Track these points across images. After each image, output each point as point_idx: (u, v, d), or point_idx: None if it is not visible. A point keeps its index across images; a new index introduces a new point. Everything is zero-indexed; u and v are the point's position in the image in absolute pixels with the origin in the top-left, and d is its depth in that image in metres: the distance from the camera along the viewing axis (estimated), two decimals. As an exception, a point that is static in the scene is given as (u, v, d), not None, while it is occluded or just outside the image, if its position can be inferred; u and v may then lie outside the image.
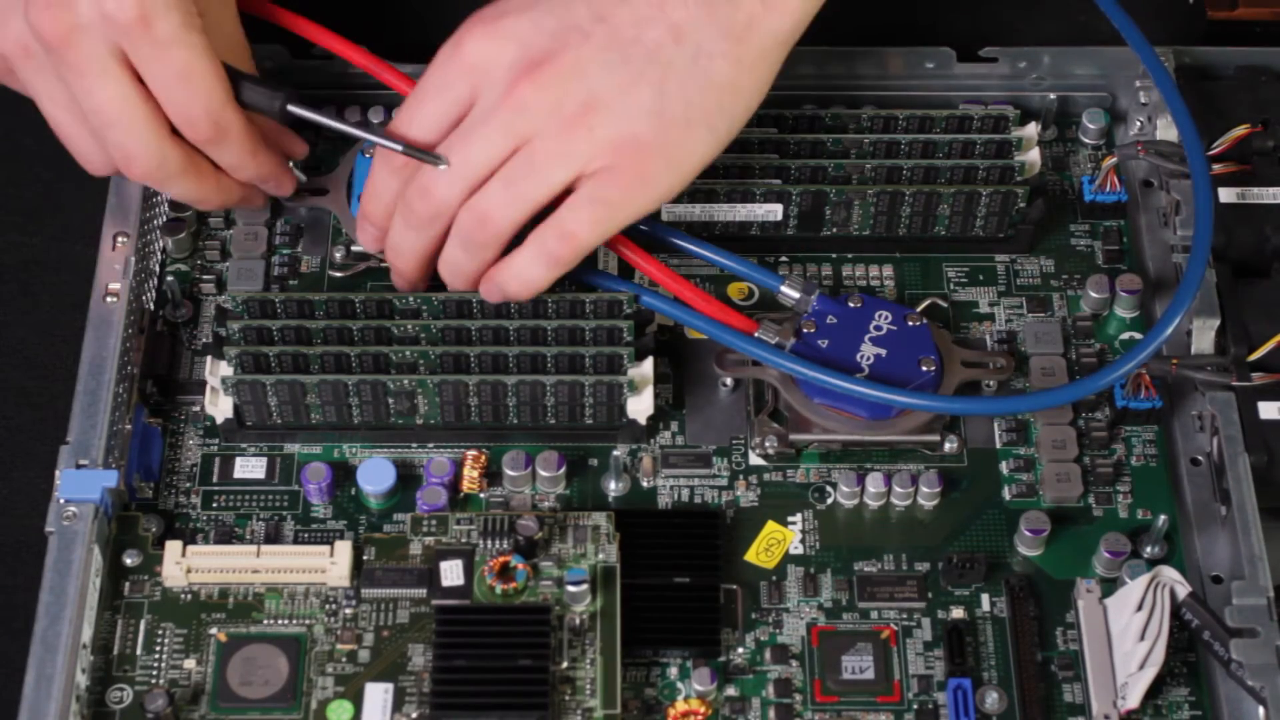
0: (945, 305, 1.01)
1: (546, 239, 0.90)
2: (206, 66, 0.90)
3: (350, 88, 1.06)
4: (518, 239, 0.91)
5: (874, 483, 0.95)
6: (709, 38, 0.89)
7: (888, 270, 1.02)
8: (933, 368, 0.95)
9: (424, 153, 0.90)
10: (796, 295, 0.98)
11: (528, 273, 0.91)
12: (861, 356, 0.95)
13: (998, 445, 0.97)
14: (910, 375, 0.95)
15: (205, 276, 1.01)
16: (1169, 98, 0.98)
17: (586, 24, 0.89)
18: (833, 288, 1.01)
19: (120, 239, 0.98)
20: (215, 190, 0.95)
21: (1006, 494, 0.96)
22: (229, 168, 0.95)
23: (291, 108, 0.93)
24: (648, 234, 0.98)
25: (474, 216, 0.90)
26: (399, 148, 0.90)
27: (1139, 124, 1.06)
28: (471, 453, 0.96)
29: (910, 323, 0.96)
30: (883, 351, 0.95)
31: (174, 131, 0.92)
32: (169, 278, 1.00)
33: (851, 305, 0.97)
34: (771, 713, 0.89)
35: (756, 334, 0.95)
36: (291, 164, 0.99)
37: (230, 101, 0.91)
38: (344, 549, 0.91)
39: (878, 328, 0.96)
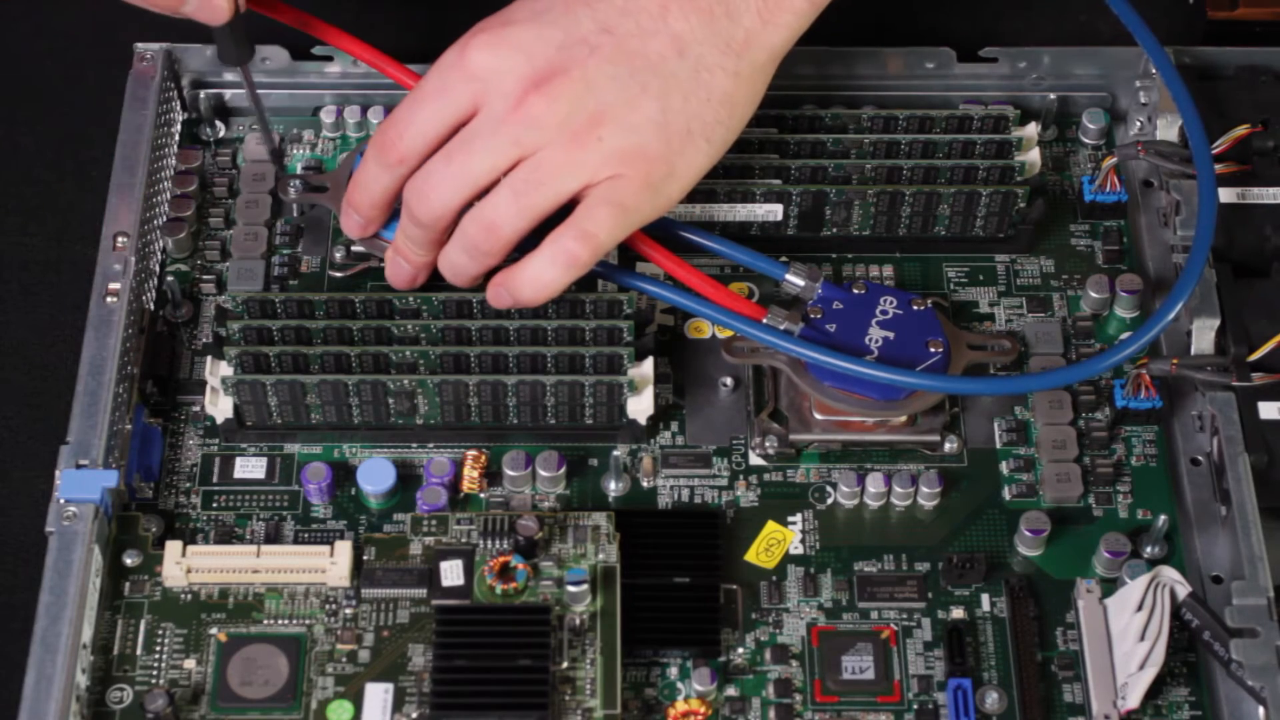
0: (945, 305, 1.01)
1: (564, 240, 0.90)
2: None
3: (350, 88, 1.06)
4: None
5: (874, 483, 0.95)
6: (709, 51, 0.90)
7: (888, 270, 1.02)
8: (940, 349, 0.95)
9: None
10: (801, 283, 0.98)
11: (544, 275, 0.91)
12: (870, 340, 0.95)
13: (998, 445, 0.97)
14: (919, 357, 0.95)
15: (205, 276, 1.02)
16: (1174, 89, 0.98)
17: (592, 36, 0.89)
18: (833, 288, 1.01)
19: (120, 239, 0.98)
20: None
21: (1006, 494, 0.96)
22: None
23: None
24: (652, 227, 0.98)
25: (481, 225, 0.91)
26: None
27: (1139, 124, 1.06)
28: (471, 453, 0.96)
29: (915, 307, 0.96)
30: (890, 334, 0.95)
31: None
32: (169, 278, 1.00)
33: (856, 292, 0.97)
34: (771, 713, 0.89)
35: (765, 319, 0.95)
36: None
37: None
38: (344, 549, 0.91)
39: (884, 312, 0.96)
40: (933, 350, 0.95)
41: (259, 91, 1.00)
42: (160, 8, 0.91)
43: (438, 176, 0.90)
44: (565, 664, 0.89)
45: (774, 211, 1.00)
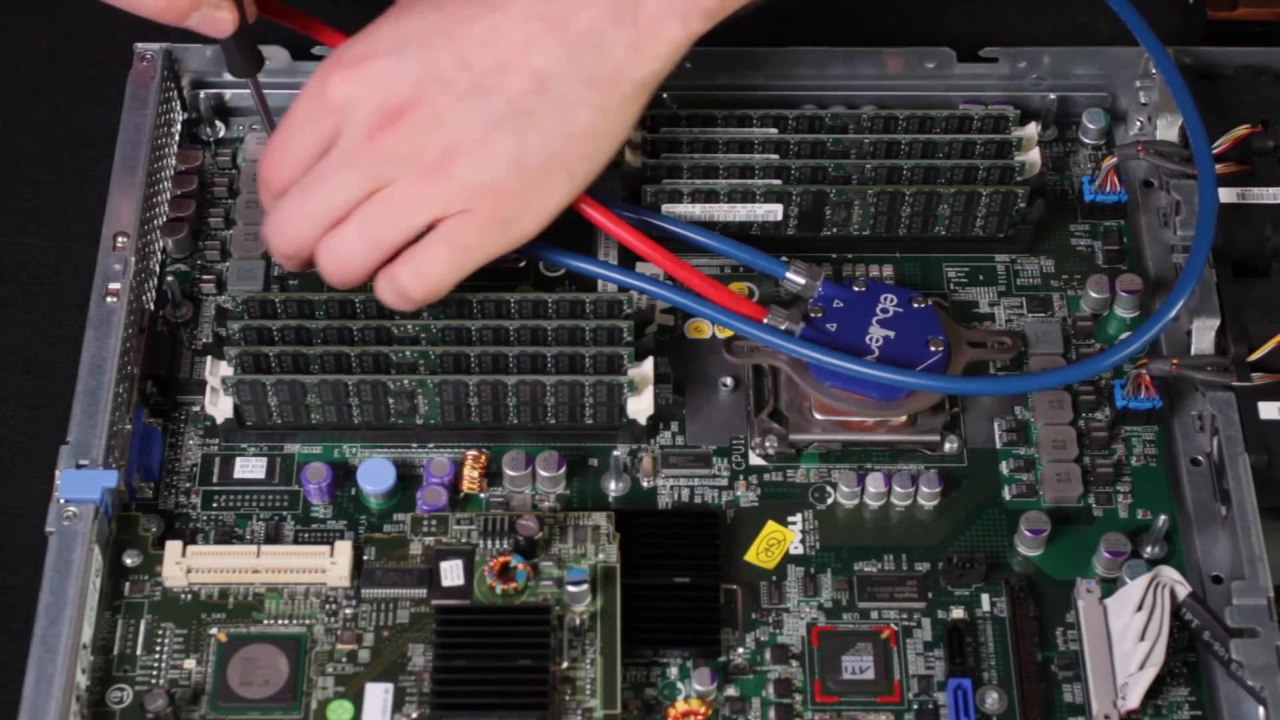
0: (946, 305, 1.01)
1: (399, 276, 0.90)
2: None
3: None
4: None
5: (874, 483, 0.95)
6: (572, 86, 0.89)
7: (888, 270, 1.02)
8: (941, 348, 0.95)
9: None
10: (802, 281, 0.98)
11: (385, 297, 0.92)
12: (870, 339, 0.95)
13: (998, 445, 0.97)
14: (919, 356, 0.95)
15: (205, 276, 1.02)
16: (1175, 88, 0.98)
17: (448, 71, 0.88)
18: (833, 288, 1.01)
19: (120, 239, 0.98)
20: None
21: (1006, 494, 0.96)
22: None
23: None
24: (654, 227, 0.98)
25: (331, 258, 0.91)
26: None
27: (1139, 124, 1.06)
28: (471, 453, 0.96)
29: (915, 304, 0.97)
30: (891, 333, 0.95)
31: None
32: (169, 278, 1.00)
33: (856, 290, 0.97)
34: (771, 713, 0.89)
35: (766, 319, 0.95)
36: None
37: None
38: (344, 549, 0.91)
39: (884, 310, 0.96)
40: (933, 349, 0.95)
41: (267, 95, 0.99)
42: (165, 19, 0.91)
43: (294, 212, 0.91)
44: (565, 664, 0.89)
45: (774, 211, 1.00)
